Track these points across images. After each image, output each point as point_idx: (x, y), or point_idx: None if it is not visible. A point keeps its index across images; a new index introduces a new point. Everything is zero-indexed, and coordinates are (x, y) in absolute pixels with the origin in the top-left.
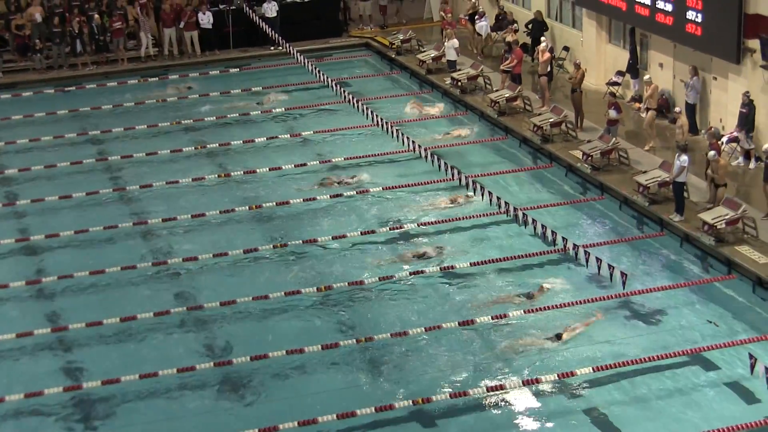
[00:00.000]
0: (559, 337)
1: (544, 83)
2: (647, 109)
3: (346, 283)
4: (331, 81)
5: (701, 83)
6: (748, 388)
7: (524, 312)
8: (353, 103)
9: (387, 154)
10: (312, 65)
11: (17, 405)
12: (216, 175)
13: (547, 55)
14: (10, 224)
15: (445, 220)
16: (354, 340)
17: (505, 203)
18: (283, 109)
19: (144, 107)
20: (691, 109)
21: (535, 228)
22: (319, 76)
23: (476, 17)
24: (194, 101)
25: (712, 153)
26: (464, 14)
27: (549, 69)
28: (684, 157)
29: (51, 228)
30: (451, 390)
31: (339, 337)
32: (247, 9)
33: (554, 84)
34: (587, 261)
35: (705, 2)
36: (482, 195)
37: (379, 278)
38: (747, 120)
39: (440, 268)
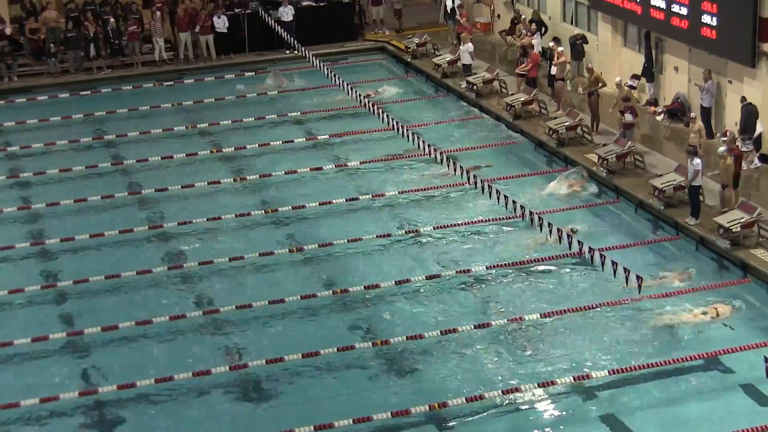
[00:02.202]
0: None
1: (561, 87)
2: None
3: (362, 287)
4: (347, 84)
5: (716, 87)
6: (762, 391)
7: (541, 316)
8: (368, 107)
9: (401, 157)
10: (327, 69)
11: (33, 410)
12: (231, 179)
13: (563, 58)
14: (26, 228)
15: (460, 224)
16: (370, 344)
17: (521, 207)
18: (299, 113)
19: (160, 111)
20: (706, 112)
21: (550, 231)
22: (335, 80)
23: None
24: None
25: (721, 149)
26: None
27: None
28: (697, 161)
29: (66, 231)
30: (467, 394)
31: (355, 340)
32: (263, 13)
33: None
34: (603, 264)
35: (720, 6)
36: (498, 198)
37: (395, 282)
38: (742, 123)
39: (456, 272)
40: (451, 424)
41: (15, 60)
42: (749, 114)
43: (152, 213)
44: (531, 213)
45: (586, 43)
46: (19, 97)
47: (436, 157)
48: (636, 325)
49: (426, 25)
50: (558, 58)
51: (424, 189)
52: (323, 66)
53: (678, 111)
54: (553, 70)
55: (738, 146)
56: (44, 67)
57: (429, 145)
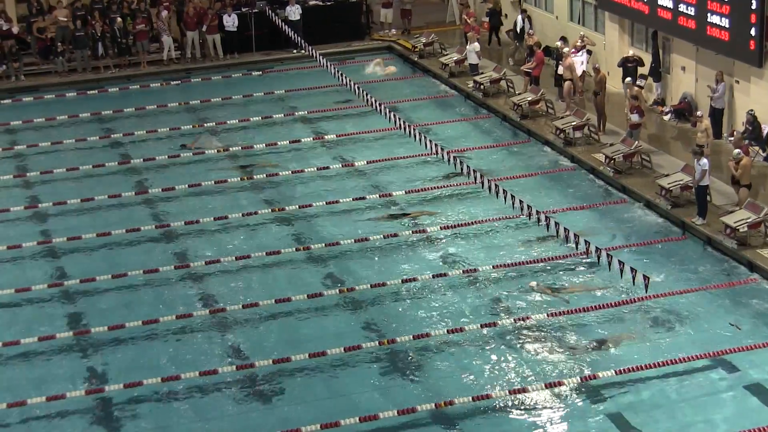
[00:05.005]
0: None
1: (568, 88)
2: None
3: (369, 285)
4: (354, 84)
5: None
6: None
7: (547, 315)
8: (376, 107)
9: (408, 157)
10: (334, 68)
11: (40, 408)
12: (239, 178)
13: (570, 60)
14: (32, 227)
15: (467, 224)
16: (377, 343)
17: (528, 206)
18: (306, 112)
19: (167, 110)
20: (718, 113)
21: (557, 231)
22: (342, 80)
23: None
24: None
25: (736, 151)
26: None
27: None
28: (704, 161)
29: (73, 231)
30: (473, 393)
31: (361, 339)
32: (270, 12)
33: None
34: (609, 264)
35: (727, 6)
36: (504, 198)
37: (401, 280)
38: (752, 135)
39: (463, 271)
40: (457, 423)
41: (21, 59)
42: (756, 127)
43: (159, 212)
44: (538, 212)
45: (642, 65)
46: (26, 96)
47: (443, 156)
48: (642, 324)
49: (433, 24)
50: (566, 60)
51: (431, 189)
52: (330, 65)
53: (685, 111)
54: (560, 70)
55: (746, 143)
56: (51, 66)
57: (436, 145)
